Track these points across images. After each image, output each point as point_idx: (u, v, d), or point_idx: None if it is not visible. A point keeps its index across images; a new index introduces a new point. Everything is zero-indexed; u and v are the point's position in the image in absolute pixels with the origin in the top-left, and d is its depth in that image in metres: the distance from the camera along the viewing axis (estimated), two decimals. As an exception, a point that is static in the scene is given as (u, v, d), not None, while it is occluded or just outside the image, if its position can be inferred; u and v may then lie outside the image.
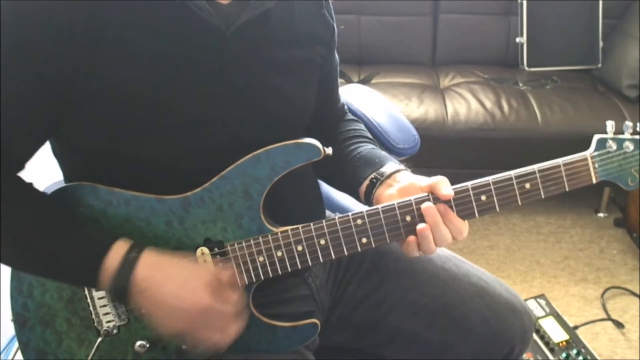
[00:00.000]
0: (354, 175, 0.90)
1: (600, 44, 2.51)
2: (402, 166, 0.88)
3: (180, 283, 0.75)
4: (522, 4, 2.51)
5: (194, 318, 0.75)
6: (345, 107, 1.07)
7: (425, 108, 2.24)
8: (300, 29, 0.86)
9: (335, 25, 0.93)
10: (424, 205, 0.78)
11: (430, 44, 2.67)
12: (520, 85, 2.41)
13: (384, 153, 0.93)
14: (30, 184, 0.79)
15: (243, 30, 0.78)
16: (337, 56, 0.99)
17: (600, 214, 2.40)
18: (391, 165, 0.88)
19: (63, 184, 0.81)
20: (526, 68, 2.54)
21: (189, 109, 0.77)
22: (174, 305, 0.74)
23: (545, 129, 2.18)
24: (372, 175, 0.87)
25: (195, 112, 0.78)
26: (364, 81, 2.38)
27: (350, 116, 1.05)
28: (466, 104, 2.26)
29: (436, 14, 2.64)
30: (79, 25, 0.70)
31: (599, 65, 2.51)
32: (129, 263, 0.74)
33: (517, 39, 2.56)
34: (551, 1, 2.50)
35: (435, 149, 2.14)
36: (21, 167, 0.79)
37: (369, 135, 1.01)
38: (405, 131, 1.34)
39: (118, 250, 0.75)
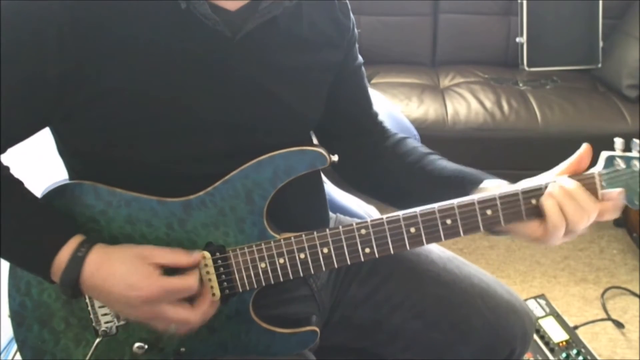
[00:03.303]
0: (454, 189, 0.84)
1: (600, 44, 2.51)
2: (501, 180, 0.84)
3: (124, 274, 0.74)
4: (522, 4, 2.51)
5: (148, 304, 0.74)
6: (382, 120, 1.02)
7: (425, 108, 2.23)
8: (308, 34, 0.84)
9: (351, 25, 0.91)
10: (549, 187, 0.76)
11: (430, 44, 2.66)
12: (520, 85, 2.41)
13: (472, 169, 0.89)
14: (6, 167, 0.78)
15: (250, 37, 0.77)
16: (360, 59, 0.96)
17: (600, 214, 2.40)
18: (495, 180, 0.84)
19: (66, 182, 0.81)
20: (526, 68, 2.54)
21: (191, 114, 0.77)
22: (125, 297, 0.73)
23: (545, 129, 2.18)
24: (478, 190, 0.82)
25: (196, 117, 0.77)
26: (364, 81, 2.37)
27: (400, 134, 1.00)
28: (466, 104, 2.26)
29: (436, 14, 2.63)
30: (81, 27, 0.70)
31: (599, 65, 2.51)
32: (77, 260, 0.74)
33: (517, 39, 2.56)
34: (551, 1, 2.50)
35: (435, 149, 2.12)
36: (2, 151, 0.79)
37: None
38: (405, 131, 1.34)
39: (69, 247, 0.74)
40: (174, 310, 0.75)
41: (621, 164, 0.79)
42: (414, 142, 0.99)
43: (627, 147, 0.80)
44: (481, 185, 0.83)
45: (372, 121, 1.00)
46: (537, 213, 0.78)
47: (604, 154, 0.80)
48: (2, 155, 0.79)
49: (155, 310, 0.74)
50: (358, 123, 0.98)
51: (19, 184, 0.79)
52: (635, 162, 0.79)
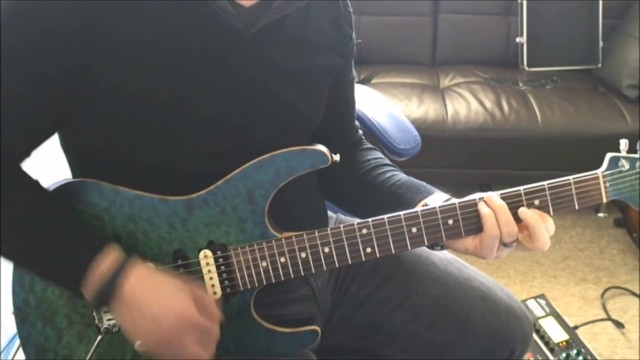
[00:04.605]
0: (399, 202, 0.87)
1: (600, 44, 2.51)
2: (448, 195, 0.85)
3: (167, 293, 0.74)
4: (522, 4, 2.51)
5: (178, 328, 0.73)
6: (361, 133, 1.03)
7: (425, 108, 2.23)
8: (314, 36, 0.84)
9: (354, 36, 0.91)
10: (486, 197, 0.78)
11: (430, 44, 2.66)
12: (520, 85, 2.41)
13: (423, 182, 0.90)
14: (33, 179, 0.78)
15: (261, 34, 0.77)
16: (354, 73, 0.97)
17: (600, 214, 2.40)
18: (440, 194, 0.85)
19: (70, 180, 0.81)
20: (526, 68, 2.54)
21: (193, 113, 0.76)
22: (161, 313, 0.73)
23: (545, 129, 2.18)
24: (424, 203, 0.84)
25: (199, 116, 0.77)
26: (364, 81, 2.37)
27: (367, 145, 1.02)
28: (466, 104, 2.26)
29: (436, 14, 2.64)
30: (87, 27, 0.70)
31: (599, 65, 2.51)
32: (119, 270, 0.73)
33: (517, 39, 2.56)
34: (551, 1, 2.50)
35: (435, 149, 2.14)
36: (26, 156, 0.78)
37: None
38: (405, 131, 1.34)
39: (109, 257, 0.73)
40: (193, 346, 0.74)
41: (626, 165, 0.79)
42: (376, 153, 0.99)
43: (632, 149, 0.80)
44: (425, 200, 0.84)
45: (349, 132, 1.01)
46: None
47: (609, 155, 0.79)
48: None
49: (179, 336, 0.73)
50: (336, 131, 0.98)
51: (48, 196, 0.77)
52: None
